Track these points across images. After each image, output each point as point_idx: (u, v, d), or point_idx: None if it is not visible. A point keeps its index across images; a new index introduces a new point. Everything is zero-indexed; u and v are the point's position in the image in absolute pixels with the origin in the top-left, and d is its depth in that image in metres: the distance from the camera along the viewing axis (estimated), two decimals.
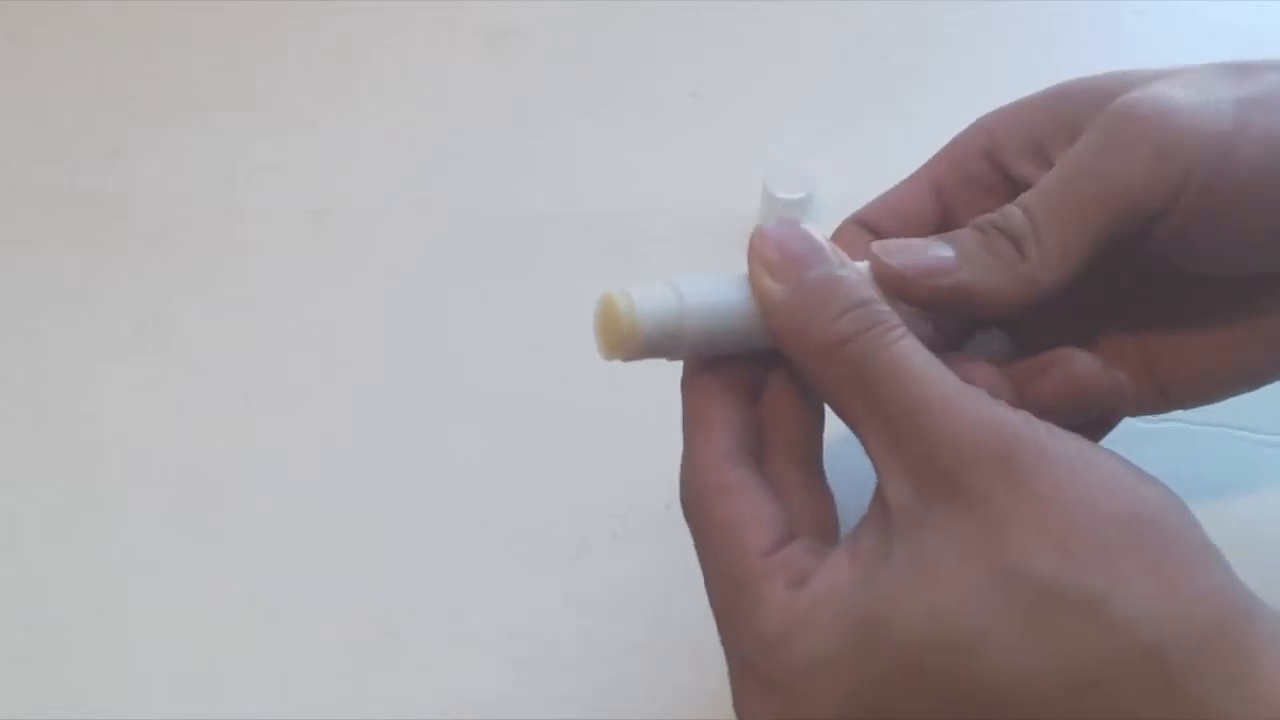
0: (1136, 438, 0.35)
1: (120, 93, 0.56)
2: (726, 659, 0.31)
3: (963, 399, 0.28)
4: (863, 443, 0.30)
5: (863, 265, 0.33)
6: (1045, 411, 0.30)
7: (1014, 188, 0.35)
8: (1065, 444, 0.28)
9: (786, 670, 0.29)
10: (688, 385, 0.33)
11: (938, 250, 0.33)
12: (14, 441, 0.47)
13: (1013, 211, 0.33)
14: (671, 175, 0.53)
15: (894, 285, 0.32)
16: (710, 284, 0.32)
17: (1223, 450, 0.36)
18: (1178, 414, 0.39)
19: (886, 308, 0.30)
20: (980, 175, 0.36)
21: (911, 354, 0.29)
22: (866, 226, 0.37)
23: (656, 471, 0.43)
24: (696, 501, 0.31)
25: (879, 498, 0.30)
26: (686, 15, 0.58)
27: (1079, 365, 0.33)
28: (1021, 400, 0.32)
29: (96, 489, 0.45)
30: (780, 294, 0.30)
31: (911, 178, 0.38)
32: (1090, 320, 0.36)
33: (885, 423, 0.29)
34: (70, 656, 0.42)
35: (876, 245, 0.33)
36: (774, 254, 0.31)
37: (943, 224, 0.37)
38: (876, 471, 0.30)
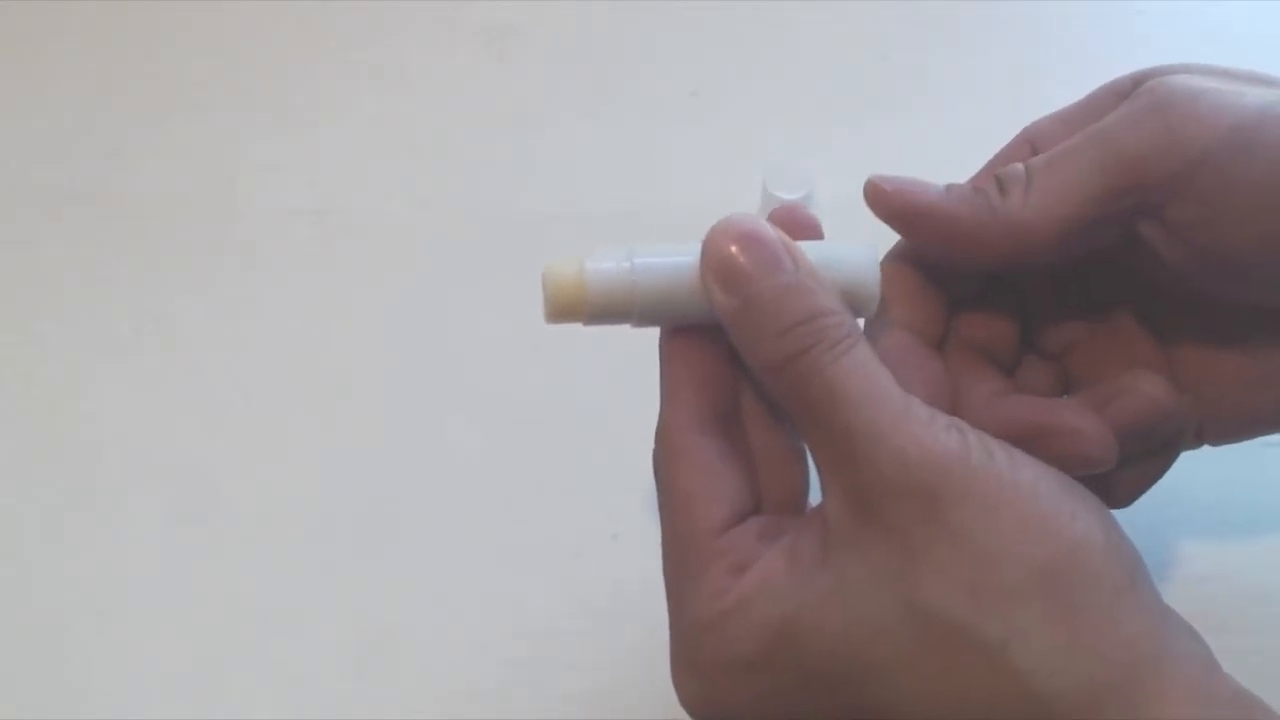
0: None
1: (120, 93, 0.56)
2: (669, 621, 0.31)
3: (894, 428, 0.28)
4: (810, 452, 0.31)
5: (810, 246, 0.32)
6: (1120, 439, 0.31)
7: None
8: (996, 481, 0.28)
9: (708, 658, 0.30)
10: (664, 348, 0.33)
11: (930, 183, 0.33)
12: (14, 441, 0.47)
13: (1016, 165, 0.33)
14: (671, 175, 0.53)
15: (874, 197, 0.32)
16: (667, 257, 0.31)
17: (1223, 450, 0.36)
18: None
19: (835, 318, 0.30)
20: None
21: (848, 375, 0.29)
22: (912, 260, 0.35)
23: None
24: (661, 466, 0.32)
25: (822, 507, 0.30)
26: (686, 15, 0.58)
27: (1149, 388, 0.33)
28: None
29: (96, 489, 0.45)
30: (728, 306, 0.30)
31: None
32: (1129, 358, 0.36)
33: (824, 443, 0.30)
34: (70, 656, 0.42)
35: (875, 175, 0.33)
36: (722, 264, 0.30)
37: None
38: (820, 483, 0.30)
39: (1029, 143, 0.35)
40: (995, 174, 0.33)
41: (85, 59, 0.57)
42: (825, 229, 0.34)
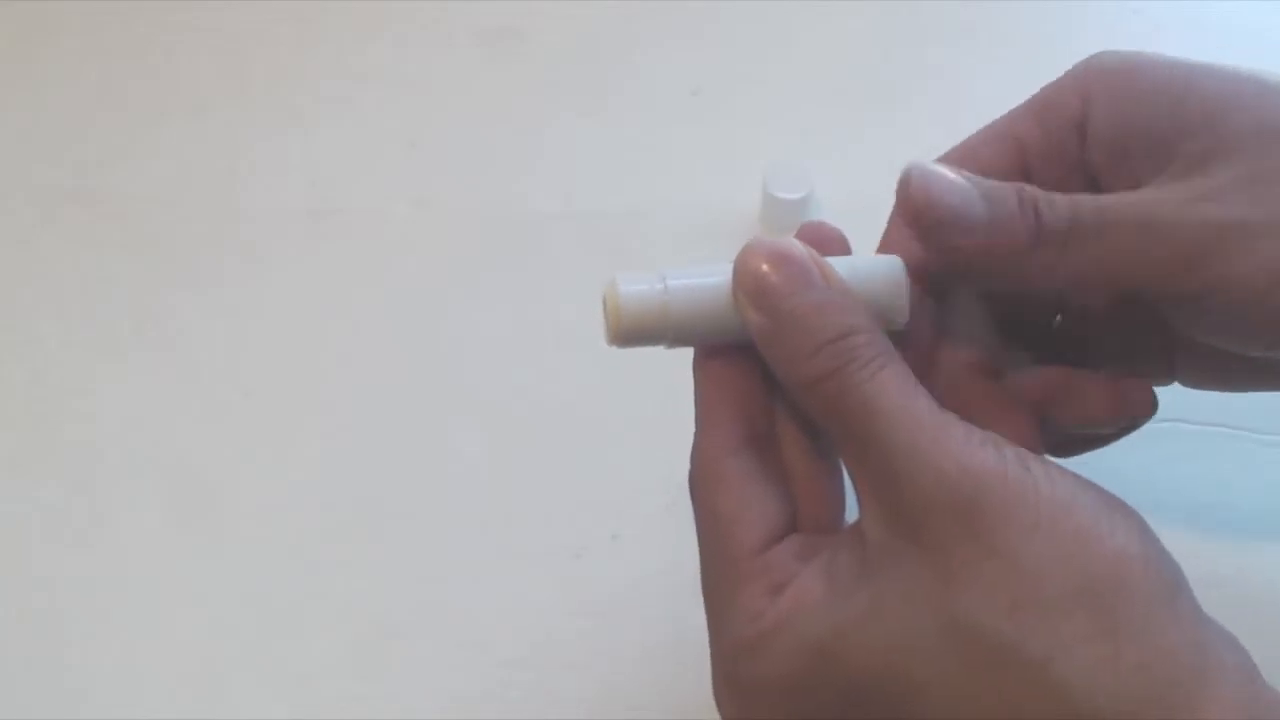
0: (1137, 437, 0.35)
1: (120, 93, 0.56)
2: (709, 641, 0.31)
3: (933, 444, 0.28)
4: (846, 470, 0.31)
5: (837, 262, 0.32)
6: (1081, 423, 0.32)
7: (1091, 186, 0.34)
8: (1034, 497, 0.28)
9: (747, 678, 0.30)
10: (699, 369, 0.33)
11: (972, 200, 0.31)
12: (14, 441, 0.47)
13: (1061, 207, 0.32)
14: (671, 175, 0.53)
15: (905, 206, 0.31)
16: (699, 278, 0.31)
17: (1223, 450, 0.36)
18: (1178, 414, 0.39)
19: (865, 335, 0.30)
20: (1070, 153, 0.35)
21: (885, 392, 0.29)
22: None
23: (656, 471, 0.43)
24: (698, 488, 0.32)
25: (859, 525, 0.30)
26: (686, 15, 0.58)
27: (1096, 401, 0.34)
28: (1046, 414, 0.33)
29: (96, 489, 0.45)
30: (761, 325, 0.30)
31: (993, 131, 0.36)
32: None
33: (861, 460, 0.29)
34: (70, 656, 0.42)
35: (916, 169, 0.31)
36: (753, 282, 0.30)
37: None
38: (857, 501, 0.30)
39: (1083, 102, 0.34)
40: (1039, 213, 0.32)
41: (85, 59, 0.57)
42: None
